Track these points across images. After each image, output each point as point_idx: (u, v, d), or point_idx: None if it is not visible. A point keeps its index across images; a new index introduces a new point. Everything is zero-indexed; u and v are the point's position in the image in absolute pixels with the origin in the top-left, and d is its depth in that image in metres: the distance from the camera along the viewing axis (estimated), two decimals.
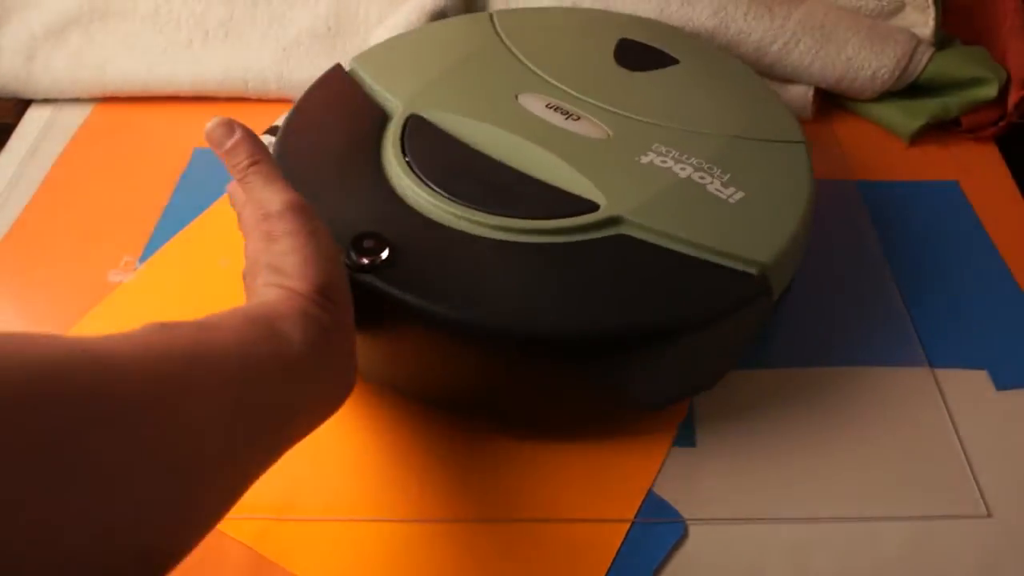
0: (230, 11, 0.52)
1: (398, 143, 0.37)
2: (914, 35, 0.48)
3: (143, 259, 0.42)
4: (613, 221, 0.34)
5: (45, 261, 0.43)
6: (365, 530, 0.32)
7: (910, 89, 0.49)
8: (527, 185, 0.35)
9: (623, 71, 0.42)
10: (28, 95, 0.52)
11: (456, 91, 0.40)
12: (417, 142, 0.37)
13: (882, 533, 0.32)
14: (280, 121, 0.50)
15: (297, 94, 0.51)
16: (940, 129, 0.49)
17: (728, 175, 0.36)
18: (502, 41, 0.43)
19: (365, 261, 0.32)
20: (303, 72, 0.51)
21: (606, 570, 0.31)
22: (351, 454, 0.35)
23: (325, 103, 0.41)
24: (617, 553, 0.32)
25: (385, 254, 0.32)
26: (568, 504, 0.33)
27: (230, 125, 0.31)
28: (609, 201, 0.34)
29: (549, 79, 0.41)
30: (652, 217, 0.34)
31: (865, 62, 0.47)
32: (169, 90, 0.51)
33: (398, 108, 0.39)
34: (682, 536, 0.32)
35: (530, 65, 0.41)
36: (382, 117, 0.39)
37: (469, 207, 0.34)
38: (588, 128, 0.38)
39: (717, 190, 0.35)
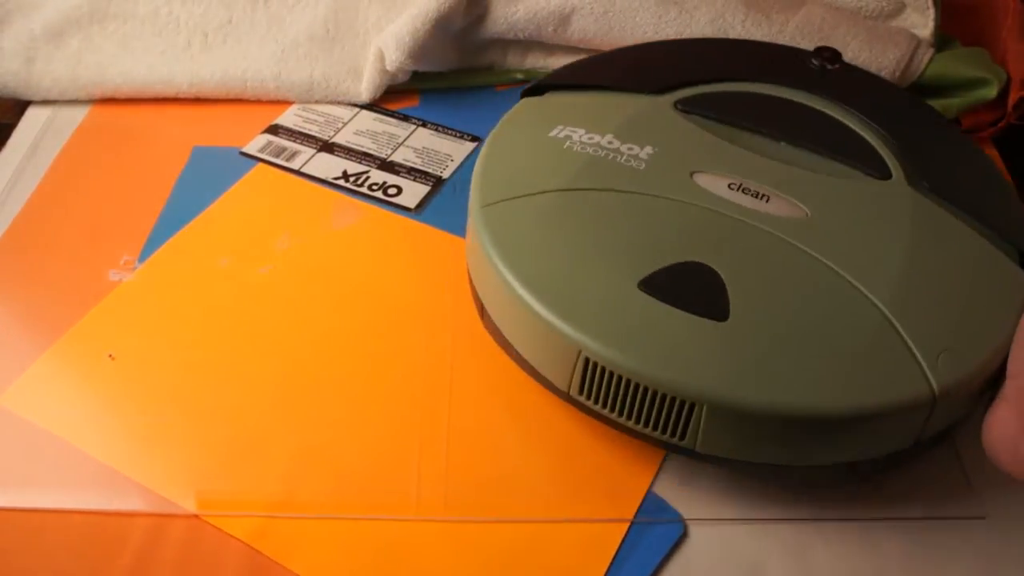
0: (229, 14, 0.52)
1: None
2: (914, 36, 0.48)
3: (142, 258, 0.42)
4: None
5: (45, 260, 0.43)
6: (364, 528, 0.32)
7: (910, 90, 0.49)
8: None
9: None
10: (28, 96, 0.52)
11: None
12: None
13: (880, 534, 0.32)
14: (279, 120, 0.50)
15: (295, 95, 0.52)
16: None
17: None
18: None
19: None
20: (301, 73, 0.51)
21: (605, 570, 0.31)
22: (350, 450, 0.35)
23: None
24: (616, 553, 0.32)
25: None
26: (566, 504, 0.33)
27: None
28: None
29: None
30: None
31: (865, 64, 0.47)
32: (168, 91, 0.51)
33: None
34: (681, 536, 0.32)
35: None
36: None
37: None
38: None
39: None
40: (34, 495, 0.33)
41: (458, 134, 0.50)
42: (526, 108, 0.41)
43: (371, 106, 0.52)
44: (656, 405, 0.30)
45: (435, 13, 0.48)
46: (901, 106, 0.41)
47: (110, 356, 0.38)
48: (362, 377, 0.37)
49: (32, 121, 0.51)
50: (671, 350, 0.30)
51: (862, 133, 0.39)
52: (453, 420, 0.36)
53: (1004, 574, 0.31)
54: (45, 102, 0.52)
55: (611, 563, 0.31)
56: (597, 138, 0.38)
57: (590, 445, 0.35)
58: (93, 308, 0.40)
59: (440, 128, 0.50)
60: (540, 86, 0.43)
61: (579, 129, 0.39)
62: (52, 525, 0.33)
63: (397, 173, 0.47)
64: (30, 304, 0.41)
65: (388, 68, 0.50)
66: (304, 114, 0.51)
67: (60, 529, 0.32)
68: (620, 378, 0.30)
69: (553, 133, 0.39)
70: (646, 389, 0.30)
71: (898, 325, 0.31)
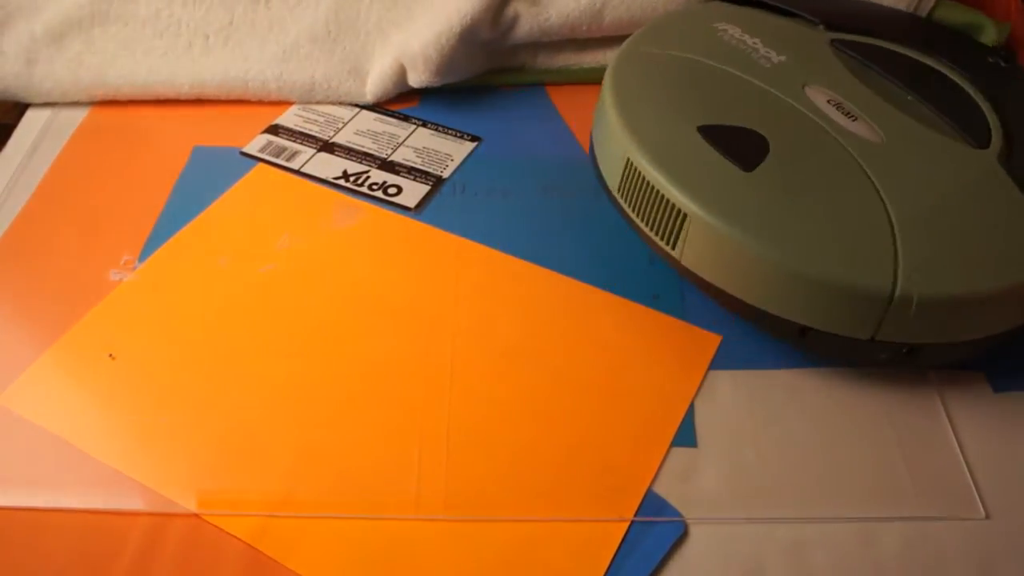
0: (230, 15, 0.52)
1: None
2: None
3: (142, 258, 0.42)
4: None
5: (45, 260, 0.43)
6: (364, 527, 0.32)
7: None
8: None
9: None
10: (29, 99, 0.52)
11: None
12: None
13: (881, 534, 0.32)
14: (280, 120, 0.50)
15: (296, 96, 0.52)
16: None
17: None
18: None
19: None
20: (303, 74, 0.51)
21: (605, 569, 0.31)
22: (350, 450, 0.35)
23: None
24: (616, 552, 0.32)
25: None
26: (567, 503, 0.33)
27: None
28: None
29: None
30: None
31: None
32: (169, 93, 0.51)
33: None
34: (681, 535, 0.32)
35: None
36: None
37: None
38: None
39: None
40: (34, 495, 0.33)
41: (458, 134, 0.50)
42: (713, 5, 0.48)
43: (371, 106, 0.52)
44: (661, 210, 0.36)
45: (459, 27, 0.48)
46: None
47: (110, 356, 0.38)
48: (362, 377, 0.37)
49: (32, 122, 0.51)
50: (688, 171, 0.36)
51: (987, 114, 0.41)
52: (453, 420, 0.36)
53: (1004, 574, 0.31)
54: (45, 103, 0.53)
55: (611, 562, 0.31)
56: (747, 37, 0.44)
57: (591, 445, 0.35)
58: (93, 308, 0.40)
59: (440, 128, 0.50)
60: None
61: (738, 28, 0.45)
62: (52, 525, 0.33)
63: (397, 173, 0.47)
64: (30, 304, 0.41)
65: (413, 85, 0.50)
66: (304, 114, 0.51)
67: (60, 529, 0.32)
68: (645, 182, 0.37)
69: (716, 25, 0.45)
70: (658, 193, 0.36)
71: (897, 233, 0.34)
